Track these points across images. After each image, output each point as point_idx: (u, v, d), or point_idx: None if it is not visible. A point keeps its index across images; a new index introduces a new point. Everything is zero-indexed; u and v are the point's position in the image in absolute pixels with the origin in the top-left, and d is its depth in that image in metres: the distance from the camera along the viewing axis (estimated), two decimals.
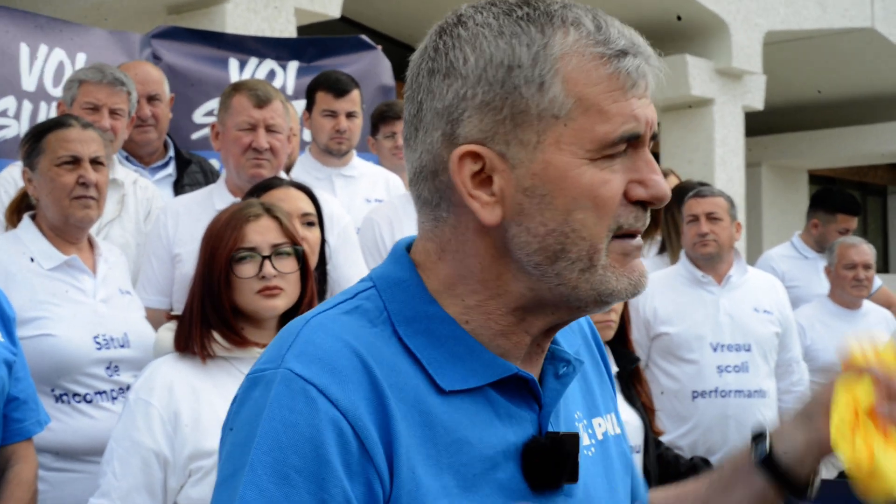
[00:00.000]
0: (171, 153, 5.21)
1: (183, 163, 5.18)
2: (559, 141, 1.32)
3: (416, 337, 1.37)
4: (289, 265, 3.06)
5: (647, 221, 1.38)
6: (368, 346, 1.34)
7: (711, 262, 5.14)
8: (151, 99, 5.04)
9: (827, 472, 4.50)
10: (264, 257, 3.02)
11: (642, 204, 1.37)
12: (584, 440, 1.50)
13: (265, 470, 1.25)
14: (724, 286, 5.14)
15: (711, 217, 5.10)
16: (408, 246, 1.48)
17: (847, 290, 6.28)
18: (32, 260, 3.74)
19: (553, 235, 1.33)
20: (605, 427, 1.57)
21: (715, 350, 5.01)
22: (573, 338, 1.58)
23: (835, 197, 7.26)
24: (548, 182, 1.32)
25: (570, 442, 1.40)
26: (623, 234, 1.36)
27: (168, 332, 3.09)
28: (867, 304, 6.45)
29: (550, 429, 1.42)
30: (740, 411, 4.97)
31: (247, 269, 3.01)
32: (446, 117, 1.36)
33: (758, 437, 1.67)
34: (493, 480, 1.35)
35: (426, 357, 1.36)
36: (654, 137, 1.39)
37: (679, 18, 11.33)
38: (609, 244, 1.35)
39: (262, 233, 3.05)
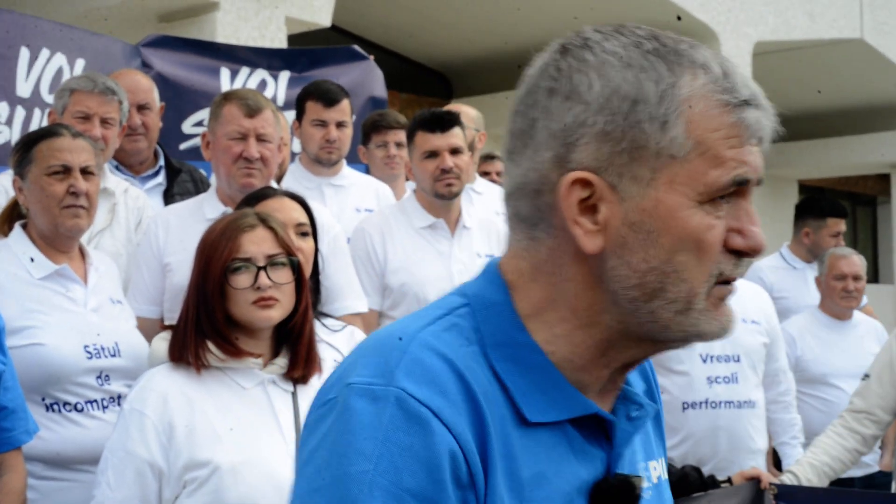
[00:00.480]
0: (161, 162, 5.20)
1: (173, 172, 5.18)
2: (673, 181, 1.32)
3: (505, 363, 1.36)
4: (284, 276, 3.05)
5: (745, 271, 1.39)
6: (469, 369, 1.33)
7: None
8: (141, 108, 5.03)
9: (820, 481, 4.51)
10: (259, 268, 3.02)
11: (737, 252, 1.36)
12: (644, 484, 1.48)
13: (381, 492, 1.24)
14: None
15: None
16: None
17: (836, 301, 6.28)
18: (33, 260, 3.75)
19: (654, 273, 1.33)
20: (659, 471, 1.57)
21: (705, 361, 5.01)
22: (635, 375, 1.56)
23: (821, 203, 7.30)
24: (656, 220, 1.32)
25: (638, 485, 1.40)
26: (720, 282, 1.36)
27: (162, 341, 3.09)
28: (858, 316, 6.45)
29: (618, 470, 1.42)
30: (730, 422, 4.97)
31: (242, 280, 3.01)
32: (562, 139, 1.34)
33: None
34: None
35: (513, 384, 1.35)
36: (759, 183, 1.39)
37: (679, 19, 11.36)
38: (710, 290, 1.35)
39: (257, 243, 3.04)
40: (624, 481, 1.39)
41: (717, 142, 1.32)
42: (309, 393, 3.14)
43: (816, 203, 7.33)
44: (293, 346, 3.10)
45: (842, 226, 7.07)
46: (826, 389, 6.19)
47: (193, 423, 2.91)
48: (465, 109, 6.02)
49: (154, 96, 5.15)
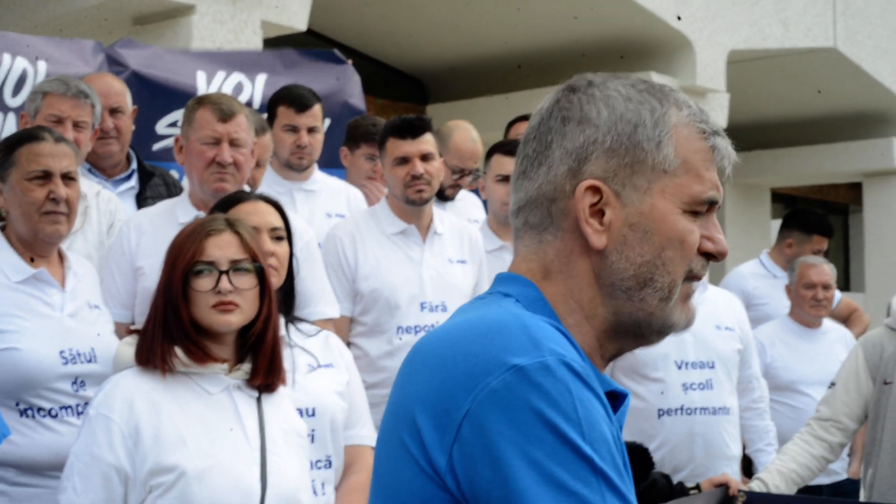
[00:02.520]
0: (134, 166, 5.19)
1: (146, 175, 5.17)
2: (664, 191, 1.62)
3: None
4: (247, 282, 3.06)
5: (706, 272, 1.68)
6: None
7: None
8: (114, 111, 5.02)
9: (788, 488, 4.54)
10: (222, 272, 3.02)
11: (706, 256, 1.66)
12: None
13: (601, 443, 1.44)
14: None
15: None
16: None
17: (806, 309, 6.33)
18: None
19: (647, 266, 1.61)
20: None
21: (679, 368, 5.02)
22: None
23: (810, 218, 7.33)
24: (651, 221, 1.61)
25: (645, 450, 1.68)
26: (689, 278, 1.65)
27: (128, 346, 3.09)
28: (827, 323, 6.50)
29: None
30: (706, 428, 4.99)
31: (203, 283, 3.02)
32: (575, 156, 1.63)
33: None
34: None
35: None
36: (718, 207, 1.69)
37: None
38: (683, 283, 1.64)
39: (221, 247, 3.05)
40: (636, 446, 1.66)
41: (698, 162, 1.64)
42: (274, 399, 3.15)
43: (806, 217, 7.36)
44: (254, 353, 3.11)
45: (825, 245, 7.11)
46: (795, 397, 6.23)
47: (159, 428, 2.91)
48: (466, 138, 6.03)
49: (127, 100, 5.14)
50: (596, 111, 1.63)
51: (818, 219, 7.38)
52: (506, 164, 5.09)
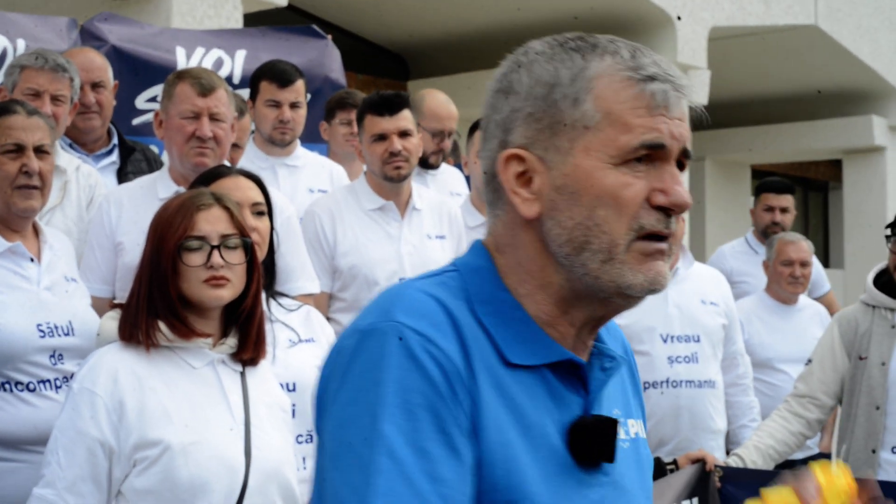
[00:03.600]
0: (115, 141, 5.18)
1: (126, 151, 5.16)
2: (588, 148, 1.54)
3: (490, 316, 1.57)
4: (236, 257, 3.07)
5: (673, 227, 1.57)
6: (456, 311, 1.54)
7: None
8: (95, 86, 5.00)
9: (766, 464, 4.56)
10: (213, 247, 3.03)
11: (666, 210, 1.55)
12: (621, 434, 1.65)
13: (397, 408, 1.45)
14: (672, 279, 5.17)
15: None
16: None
17: (783, 286, 6.34)
18: None
19: (579, 228, 1.54)
20: (636, 429, 1.75)
21: (665, 341, 5.04)
22: (616, 345, 1.73)
23: (762, 183, 7.37)
24: (576, 182, 1.54)
25: (610, 423, 1.59)
26: (648, 236, 1.55)
27: (111, 320, 3.09)
28: (803, 300, 6.52)
29: (594, 412, 1.61)
30: (692, 402, 5.02)
31: (195, 258, 3.01)
32: (502, 127, 1.60)
33: None
34: (549, 445, 1.54)
35: (496, 333, 1.56)
36: (688, 156, 1.59)
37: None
38: (631, 242, 1.54)
39: (212, 222, 3.05)
40: (599, 419, 1.58)
41: (624, 112, 1.54)
42: (258, 374, 3.16)
43: (760, 184, 7.42)
44: (243, 327, 3.12)
45: (776, 200, 7.06)
46: (772, 373, 6.25)
47: (143, 402, 2.91)
48: (439, 101, 6.02)
49: (108, 75, 5.12)
50: (518, 78, 1.59)
51: (767, 180, 7.40)
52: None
